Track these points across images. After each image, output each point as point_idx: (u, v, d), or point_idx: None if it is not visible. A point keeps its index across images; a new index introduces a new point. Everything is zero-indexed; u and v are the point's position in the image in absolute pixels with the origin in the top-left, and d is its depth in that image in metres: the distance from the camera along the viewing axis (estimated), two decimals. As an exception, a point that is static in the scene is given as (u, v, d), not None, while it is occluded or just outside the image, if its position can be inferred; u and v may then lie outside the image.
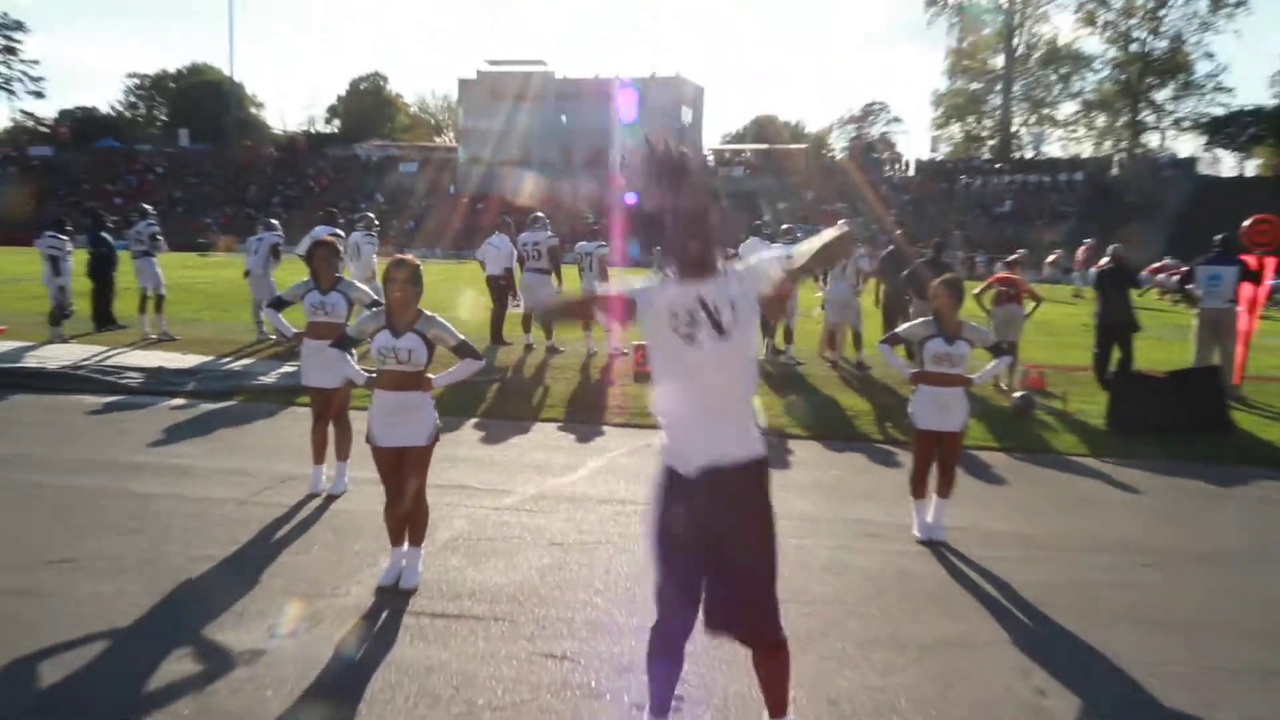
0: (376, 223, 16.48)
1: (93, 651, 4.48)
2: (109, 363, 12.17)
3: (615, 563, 5.80)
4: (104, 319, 15.87)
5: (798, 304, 14.17)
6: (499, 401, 10.72)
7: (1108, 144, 75.02)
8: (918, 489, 6.50)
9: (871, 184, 58.12)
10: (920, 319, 6.56)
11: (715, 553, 3.29)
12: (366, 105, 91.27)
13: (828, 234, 3.22)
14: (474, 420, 9.92)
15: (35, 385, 11.13)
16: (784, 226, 15.79)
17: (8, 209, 52.88)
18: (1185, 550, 6.45)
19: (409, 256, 5.33)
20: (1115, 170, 62.22)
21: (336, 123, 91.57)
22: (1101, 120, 77.12)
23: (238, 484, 7.29)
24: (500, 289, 14.61)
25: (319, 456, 7.12)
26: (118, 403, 10.44)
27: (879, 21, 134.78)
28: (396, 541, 5.40)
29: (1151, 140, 74.30)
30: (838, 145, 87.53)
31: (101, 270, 16.02)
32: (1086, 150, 73.54)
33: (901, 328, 6.79)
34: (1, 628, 4.67)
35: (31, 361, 12.14)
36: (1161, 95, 73.40)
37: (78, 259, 15.48)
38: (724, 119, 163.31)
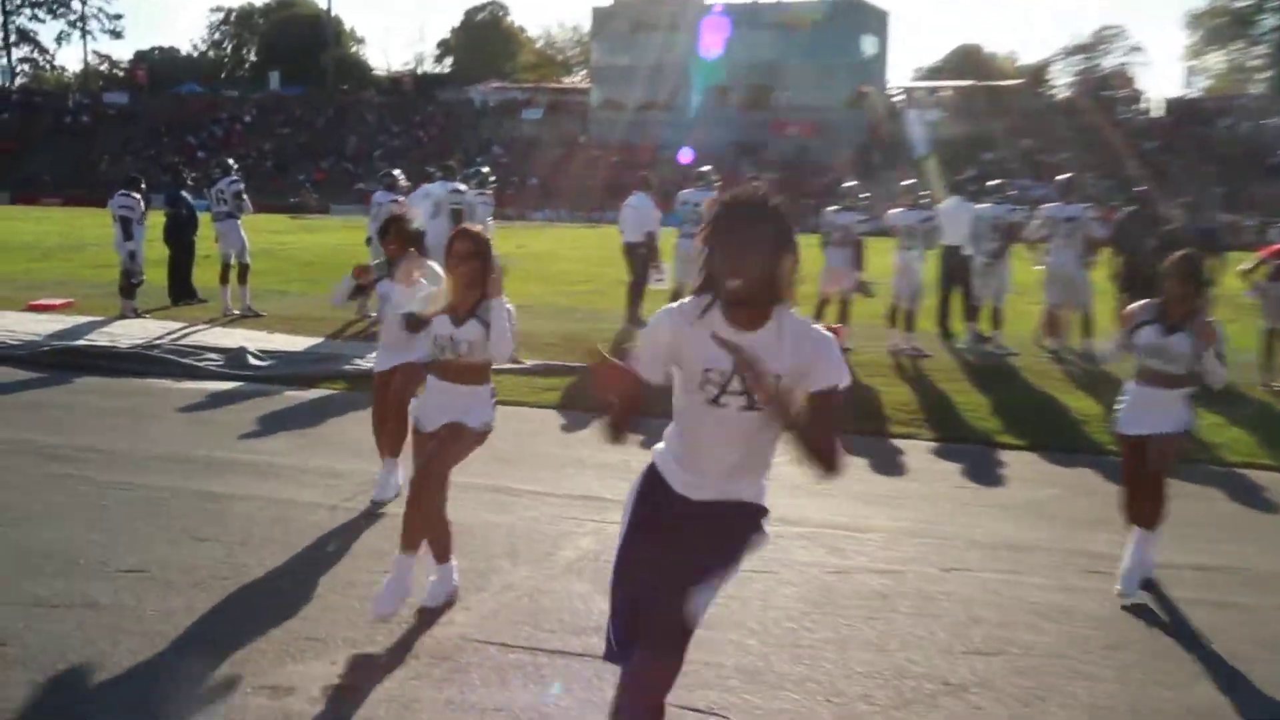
0: (493, 179, 16.75)
1: (156, 674, 4.64)
2: (185, 342, 12.75)
3: (775, 597, 5.69)
4: (181, 291, 16.59)
5: (1009, 280, 13.74)
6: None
7: None
8: (1127, 514, 6.17)
9: (1105, 128, 55.99)
10: (1147, 300, 6.22)
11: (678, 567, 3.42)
12: (483, 40, 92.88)
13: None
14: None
15: (104, 367, 11.74)
16: (993, 182, 15.22)
17: (79, 164, 55.98)
18: None
19: (475, 227, 5.37)
20: None
21: (448, 61, 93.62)
22: None
23: (327, 486, 7.49)
24: (639, 258, 14.56)
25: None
26: (194, 389, 10.90)
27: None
28: (410, 545, 5.29)
29: None
30: (1061, 81, 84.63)
31: (179, 235, 16.73)
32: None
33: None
34: (64, 643, 4.88)
35: (101, 339, 12.82)
36: None
37: (153, 222, 16.25)
38: (918, 50, 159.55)
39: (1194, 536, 6.83)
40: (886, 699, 4.58)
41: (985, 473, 8.37)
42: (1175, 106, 64.71)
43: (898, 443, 9.23)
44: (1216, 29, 76.54)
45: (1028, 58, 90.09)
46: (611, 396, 3.35)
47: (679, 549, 3.39)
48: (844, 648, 5.07)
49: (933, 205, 14.13)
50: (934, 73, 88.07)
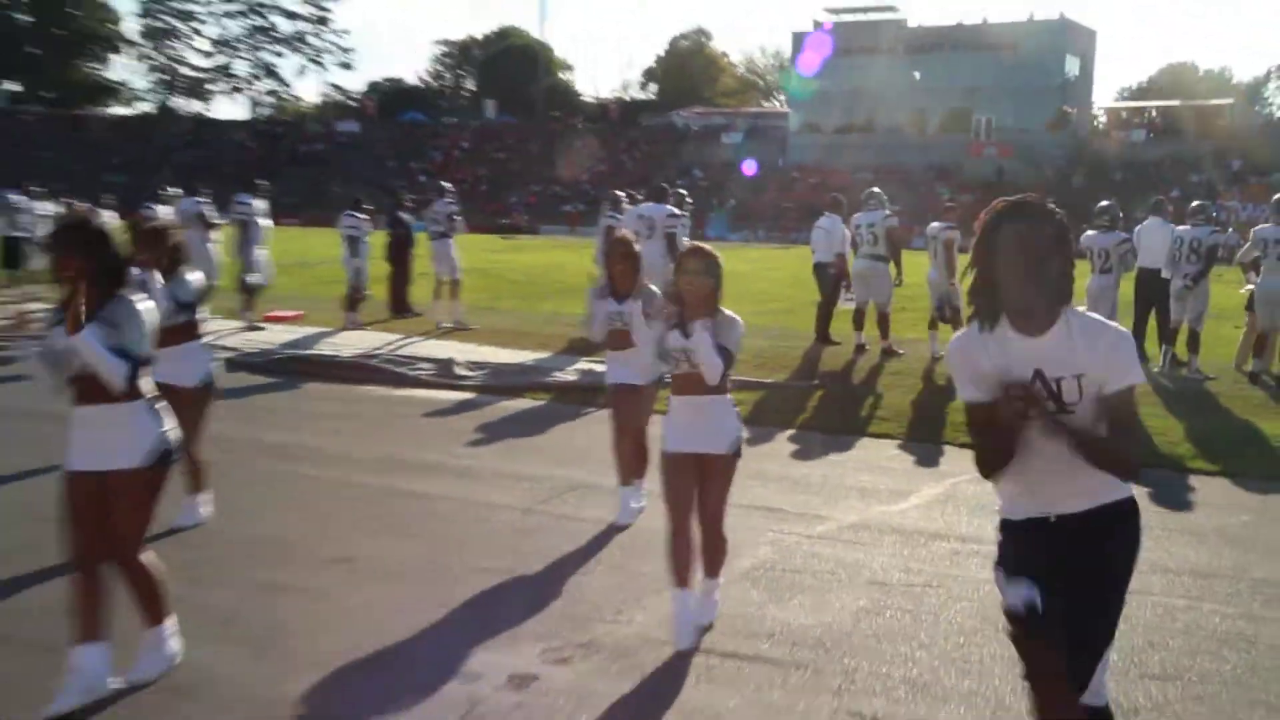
0: (689, 201, 16.87)
1: (358, 660, 4.86)
2: (401, 353, 13.29)
3: (948, 612, 5.59)
4: (400, 305, 17.30)
5: (1208, 303, 13.08)
6: (820, 412, 10.67)
7: None
8: None
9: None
10: None
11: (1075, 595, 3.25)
12: (687, 67, 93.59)
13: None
14: (789, 433, 9.93)
15: (327, 374, 12.36)
16: (1194, 204, 14.47)
17: (314, 188, 58.72)
18: None
19: (706, 245, 5.39)
20: None
21: (653, 87, 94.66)
22: None
23: (524, 490, 7.70)
24: (829, 278, 14.46)
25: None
26: (407, 396, 11.37)
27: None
28: (681, 581, 5.21)
29: None
30: (1277, 98, 79.99)
31: (399, 253, 17.46)
32: None
33: None
34: (275, 627, 5.20)
35: (326, 349, 13.51)
36: None
37: (376, 241, 17.00)
38: (1124, 69, 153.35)
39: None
40: None
41: (1174, 498, 8.01)
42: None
43: (1085, 465, 8.91)
44: None
45: (1241, 74, 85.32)
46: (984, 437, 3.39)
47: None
48: (1013, 665, 4.90)
49: (1129, 227, 13.56)
50: (1141, 92, 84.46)
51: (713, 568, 5.42)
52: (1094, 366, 3.10)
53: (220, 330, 14.66)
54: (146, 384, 4.64)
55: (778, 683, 4.71)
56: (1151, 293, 13.38)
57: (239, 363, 12.84)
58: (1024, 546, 3.37)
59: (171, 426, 4.69)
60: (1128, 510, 3.32)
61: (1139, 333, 13.59)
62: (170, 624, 4.67)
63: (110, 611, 4.47)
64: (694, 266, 5.15)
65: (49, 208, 21.32)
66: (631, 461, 7.12)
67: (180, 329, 6.59)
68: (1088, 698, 3.29)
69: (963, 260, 3.72)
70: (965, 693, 4.63)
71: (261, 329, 15.23)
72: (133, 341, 4.42)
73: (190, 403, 6.50)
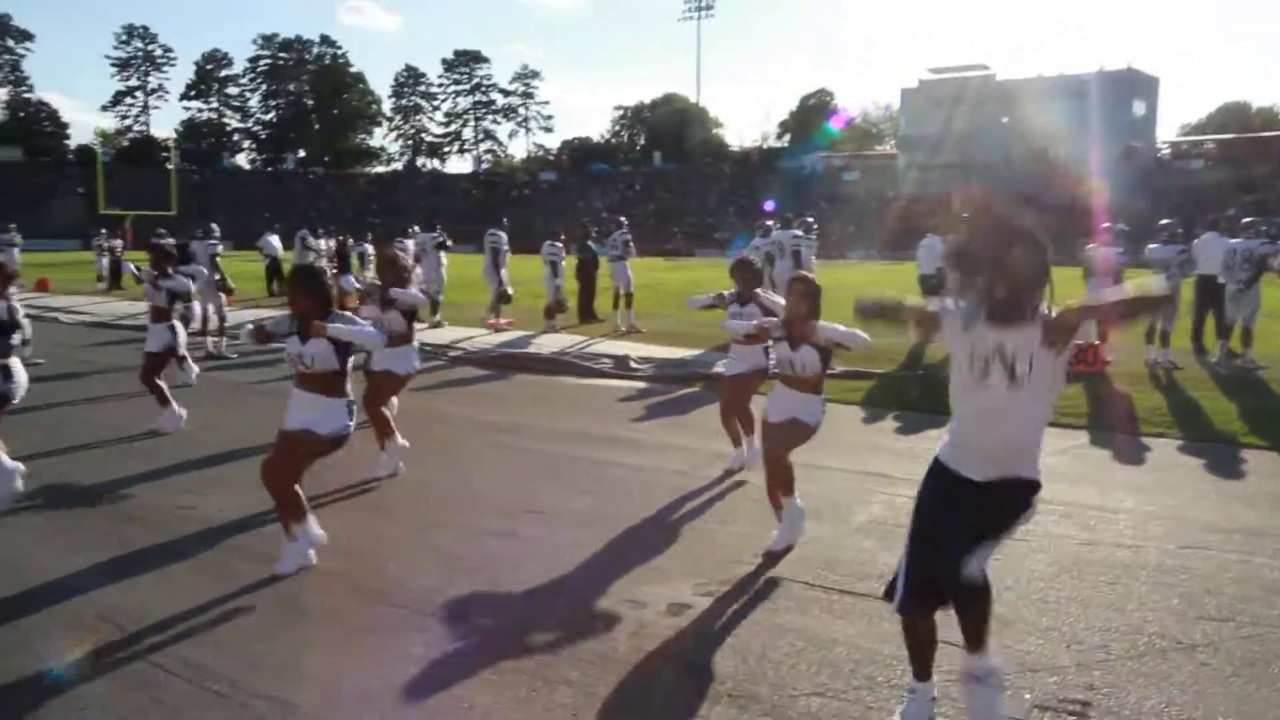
0: (815, 226, 16.73)
1: (550, 585, 4.95)
2: (587, 351, 13.46)
3: (1031, 561, 5.35)
4: (587, 314, 17.58)
5: (1260, 303, 12.29)
6: (922, 396, 10.35)
7: None
8: None
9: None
10: None
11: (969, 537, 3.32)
12: (813, 119, 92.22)
13: (1136, 289, 3.05)
14: (895, 413, 9.70)
15: (531, 368, 12.62)
16: (1245, 220, 13.62)
17: (523, 225, 60.12)
18: None
19: (810, 274, 5.71)
20: None
21: (787, 137, 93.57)
22: None
23: (680, 457, 7.71)
24: (931, 287, 14.27)
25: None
26: (592, 385, 11.51)
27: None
28: (775, 503, 5.53)
29: None
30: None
31: (586, 273, 17.77)
32: None
33: None
34: (489, 562, 5.32)
35: (530, 348, 13.78)
36: None
37: (569, 263, 17.33)
38: (1184, 110, 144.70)
39: None
40: (1121, 650, 4.21)
41: (1227, 468, 7.51)
42: None
43: (1148, 440, 8.43)
44: None
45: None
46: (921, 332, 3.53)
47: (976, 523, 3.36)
48: (1086, 606, 4.71)
49: (1188, 241, 12.85)
50: (1199, 128, 79.49)
51: (790, 488, 5.54)
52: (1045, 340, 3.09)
53: (463, 335, 15.16)
54: (349, 387, 5.29)
55: (886, 616, 4.57)
56: (1209, 295, 12.78)
57: (464, 359, 13.24)
58: (950, 492, 3.38)
59: (353, 421, 5.27)
60: (1037, 489, 3.34)
61: (1198, 329, 12.95)
62: (311, 520, 5.14)
63: (306, 510, 5.13)
64: (799, 290, 5.56)
65: (327, 245, 22.48)
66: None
67: (401, 336, 7.14)
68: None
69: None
70: (1044, 628, 4.43)
71: (506, 329, 15.69)
72: (349, 338, 5.07)
73: (399, 384, 7.34)
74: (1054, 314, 3.08)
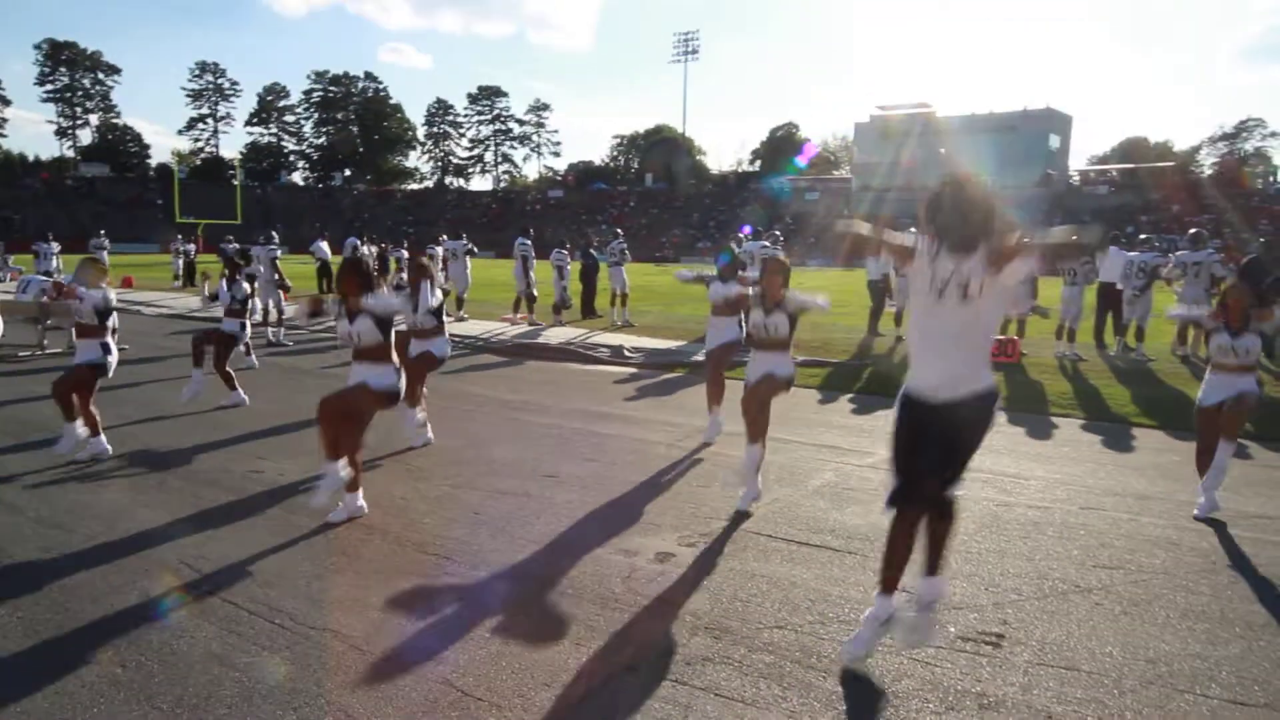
0: (780, 238, 16.72)
1: (558, 537, 4.99)
2: (588, 342, 13.46)
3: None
4: (588, 310, 17.56)
5: (1151, 306, 12.35)
6: (870, 381, 10.44)
7: None
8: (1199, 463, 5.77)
9: (1236, 197, 48.77)
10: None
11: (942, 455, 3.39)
12: (781, 148, 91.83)
13: (1062, 234, 3.28)
14: (849, 395, 9.76)
15: (541, 355, 12.62)
16: (1142, 237, 13.74)
17: (534, 236, 59.80)
18: None
19: (783, 257, 5.91)
20: None
21: (759, 162, 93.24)
22: None
23: (667, 431, 7.75)
24: (878, 291, 14.13)
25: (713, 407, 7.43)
26: (592, 370, 11.53)
27: (1258, 38, 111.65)
28: (752, 440, 5.55)
29: None
30: (1206, 161, 74.19)
31: (588, 276, 17.74)
32: None
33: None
34: (508, 516, 5.35)
35: (540, 339, 13.77)
36: None
37: (573, 268, 17.29)
38: (1092, 143, 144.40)
39: (1289, 497, 5.95)
40: (1030, 592, 4.29)
41: (1122, 443, 7.59)
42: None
43: (1057, 420, 8.52)
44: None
45: (1181, 145, 79.29)
46: (900, 260, 3.54)
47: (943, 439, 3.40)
48: (1002, 556, 4.78)
49: (1093, 254, 12.91)
50: (1105, 159, 79.38)
51: (759, 434, 5.58)
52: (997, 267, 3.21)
53: (485, 328, 15.15)
54: (395, 357, 5.38)
55: (836, 563, 4.66)
56: (1109, 299, 12.84)
57: (484, 348, 13.25)
58: (919, 419, 3.41)
59: (400, 382, 5.39)
60: (994, 395, 3.39)
61: (1099, 328, 13.01)
62: (343, 462, 5.09)
63: (341, 454, 5.10)
64: (775, 268, 5.69)
65: (372, 251, 22.40)
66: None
67: (434, 329, 7.13)
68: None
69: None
70: (966, 574, 4.49)
71: (519, 323, 15.69)
72: (383, 311, 5.23)
73: (436, 365, 7.24)
74: (998, 249, 3.22)
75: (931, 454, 3.37)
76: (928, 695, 3.31)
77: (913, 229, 3.59)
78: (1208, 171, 67.59)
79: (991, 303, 3.27)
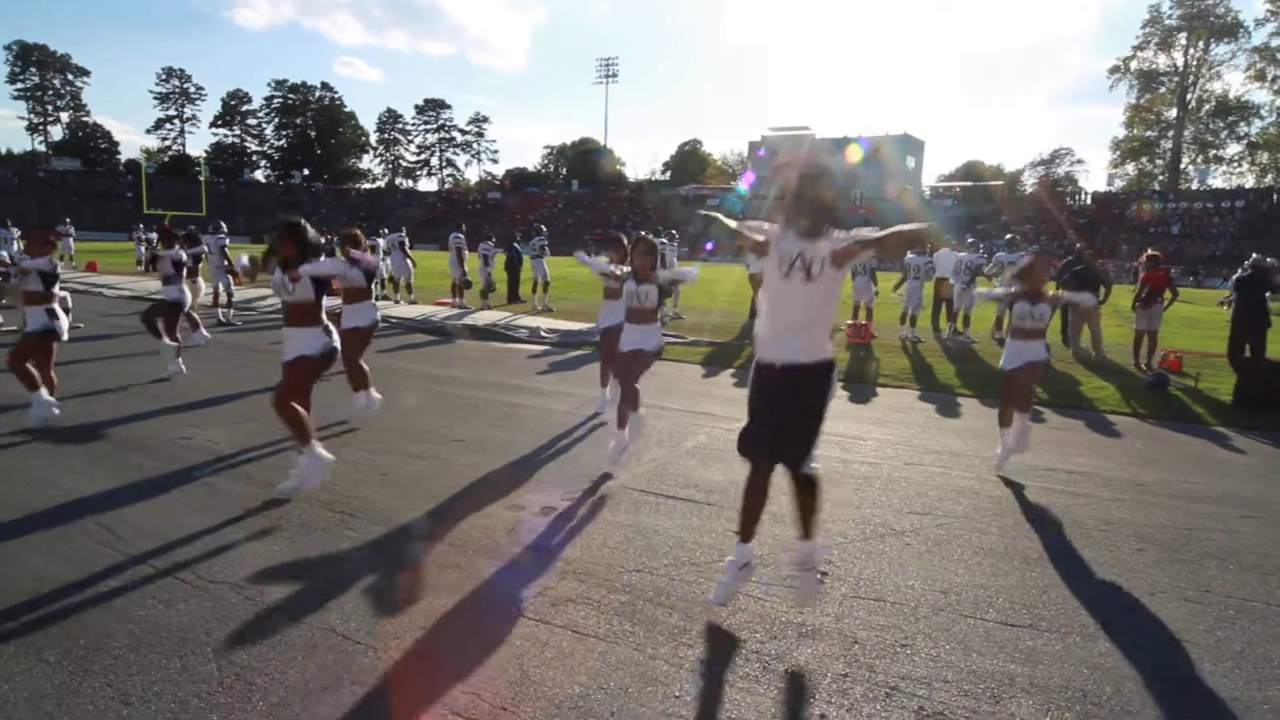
0: (676, 235, 16.70)
1: (455, 495, 4.80)
2: (512, 324, 13.17)
3: (802, 474, 5.47)
4: (513, 296, 17.20)
5: (975, 299, 12.80)
6: (749, 358, 10.51)
7: (1270, 177, 61.34)
8: (1000, 421, 5.84)
9: (1053, 210, 51.29)
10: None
11: (784, 414, 3.24)
12: (688, 160, 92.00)
13: (909, 227, 3.09)
14: (730, 370, 9.78)
15: (473, 335, 12.27)
16: (970, 240, 14.20)
17: (472, 230, 58.46)
18: (1288, 508, 5.16)
19: (651, 239, 5.70)
20: (1277, 198, 50.60)
21: (669, 173, 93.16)
22: (1265, 157, 63.17)
23: (567, 400, 7.61)
24: (758, 283, 14.22)
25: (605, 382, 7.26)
26: (511, 349, 11.25)
27: (1070, 84, 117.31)
28: (621, 425, 5.36)
29: (1314, 172, 60.01)
30: (1029, 181, 77.74)
31: (513, 267, 17.36)
32: (1249, 182, 60.61)
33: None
34: (415, 477, 5.14)
35: (469, 320, 13.39)
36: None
37: (499, 258, 16.88)
38: (940, 164, 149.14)
39: (1069, 452, 6.21)
40: (854, 535, 4.34)
41: (946, 409, 7.82)
42: (1100, 197, 58.44)
43: (895, 390, 8.72)
44: (1131, 149, 68.78)
45: (1010, 167, 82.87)
46: (757, 251, 3.35)
47: (784, 404, 3.25)
48: (835, 505, 4.83)
49: (931, 253, 13.30)
50: (950, 177, 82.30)
51: (635, 405, 5.42)
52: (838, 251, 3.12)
53: (420, 311, 14.63)
54: (325, 318, 4.85)
55: (695, 514, 4.62)
56: (942, 292, 13.18)
57: (418, 327, 12.81)
58: (764, 382, 3.29)
59: (334, 340, 4.83)
60: (829, 368, 3.25)
61: (935, 316, 13.39)
62: (316, 443, 4.66)
63: (311, 433, 4.63)
64: (644, 249, 5.59)
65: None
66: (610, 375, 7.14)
67: (360, 291, 6.64)
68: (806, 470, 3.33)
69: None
70: (802, 521, 4.52)
71: (470, 310, 15.16)
72: (320, 272, 4.73)
73: (363, 337, 6.65)
74: (842, 243, 3.10)
75: (773, 410, 3.27)
76: (756, 626, 3.28)
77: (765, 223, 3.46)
78: (1030, 189, 70.76)
79: (830, 283, 3.17)
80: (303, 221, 4.86)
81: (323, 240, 5.05)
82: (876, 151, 64.04)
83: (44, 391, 6.04)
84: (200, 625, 3.11)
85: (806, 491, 3.38)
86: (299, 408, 4.67)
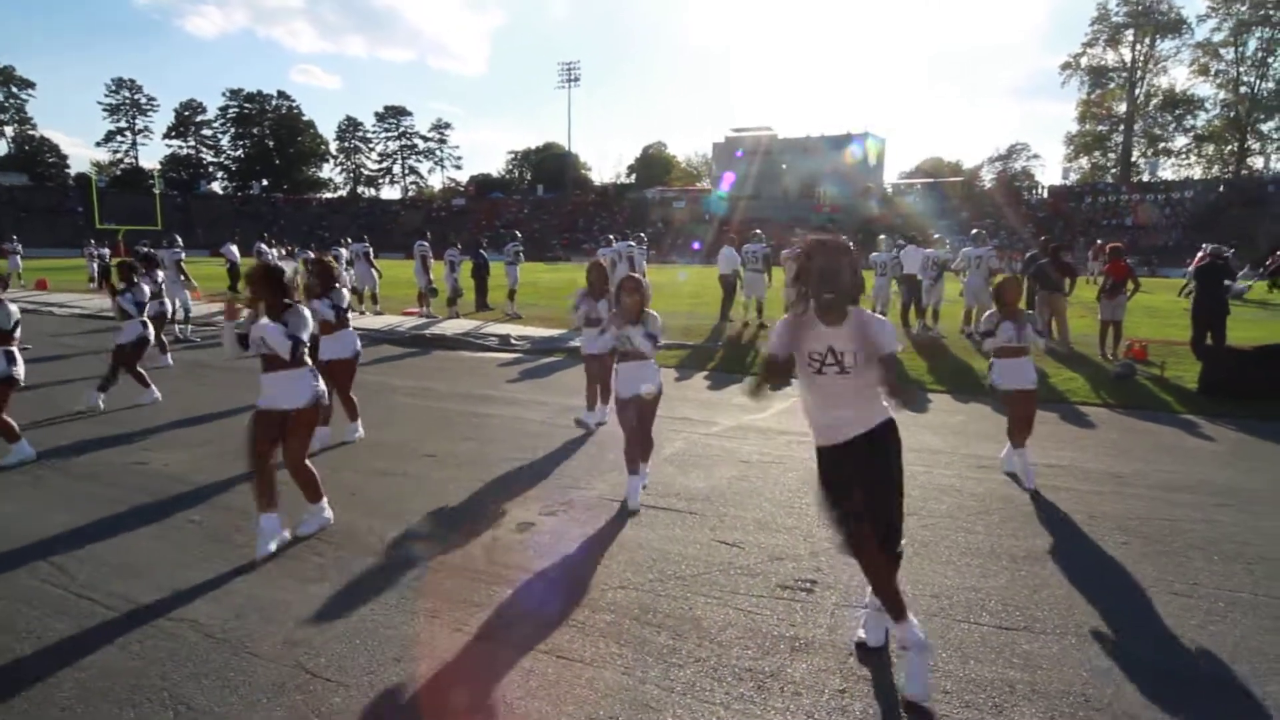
0: (645, 239, 16.56)
1: (430, 514, 4.62)
2: (481, 331, 12.92)
3: (785, 478, 5.37)
4: (482, 304, 16.90)
5: (943, 293, 12.90)
6: (723, 361, 10.42)
7: (1215, 169, 63.28)
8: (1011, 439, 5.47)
9: (1010, 205, 52.32)
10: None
11: (867, 488, 2.92)
12: (653, 163, 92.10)
13: (903, 392, 2.88)
14: (703, 374, 9.68)
15: (441, 345, 12.01)
16: (935, 236, 14.33)
17: (438, 238, 57.79)
18: (1262, 494, 5.20)
19: (639, 275, 5.03)
20: (1222, 189, 52.19)
21: (634, 175, 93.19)
22: (1211, 149, 65.16)
23: (541, 410, 7.43)
24: (728, 284, 14.20)
25: (593, 404, 6.90)
26: (482, 357, 11.03)
27: (1024, 80, 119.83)
28: (633, 469, 4.87)
29: (1256, 163, 62.05)
30: (987, 177, 79.25)
31: (480, 273, 17.06)
32: (1197, 174, 62.45)
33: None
34: (385, 495, 4.95)
35: (438, 330, 13.12)
36: (1268, 126, 61.03)
37: (465, 265, 16.61)
38: (901, 160, 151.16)
39: (1046, 446, 6.20)
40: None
41: (919, 405, 7.80)
42: (1055, 191, 59.77)
43: (869, 388, 8.69)
44: (1084, 144, 70.43)
45: (968, 163, 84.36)
46: (766, 372, 3.00)
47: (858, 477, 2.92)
48: (818, 510, 4.73)
49: (897, 251, 13.38)
50: (911, 174, 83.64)
51: (646, 457, 5.05)
52: (867, 341, 2.84)
53: (388, 322, 14.31)
54: (308, 359, 4.30)
55: (678, 523, 4.50)
56: (911, 287, 13.23)
57: (384, 339, 12.52)
58: (831, 465, 3.00)
59: (322, 385, 4.32)
60: (890, 426, 2.98)
61: (904, 311, 13.46)
62: (324, 502, 4.40)
63: (276, 493, 4.16)
64: (630, 286, 4.86)
65: (276, 252, 20.80)
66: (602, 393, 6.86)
67: (338, 324, 6.19)
68: (894, 550, 2.96)
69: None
70: (789, 527, 4.42)
71: (438, 319, 14.78)
72: (298, 330, 4.14)
73: (346, 368, 6.19)
74: (871, 343, 2.86)
75: (853, 493, 2.95)
76: (748, 642, 3.16)
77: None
78: (988, 184, 72.11)
79: (867, 370, 2.90)
80: (271, 265, 4.28)
81: (282, 254, 4.67)
82: (838, 150, 64.74)
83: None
84: (155, 669, 2.89)
85: (896, 568, 3.00)
86: (311, 467, 4.31)
